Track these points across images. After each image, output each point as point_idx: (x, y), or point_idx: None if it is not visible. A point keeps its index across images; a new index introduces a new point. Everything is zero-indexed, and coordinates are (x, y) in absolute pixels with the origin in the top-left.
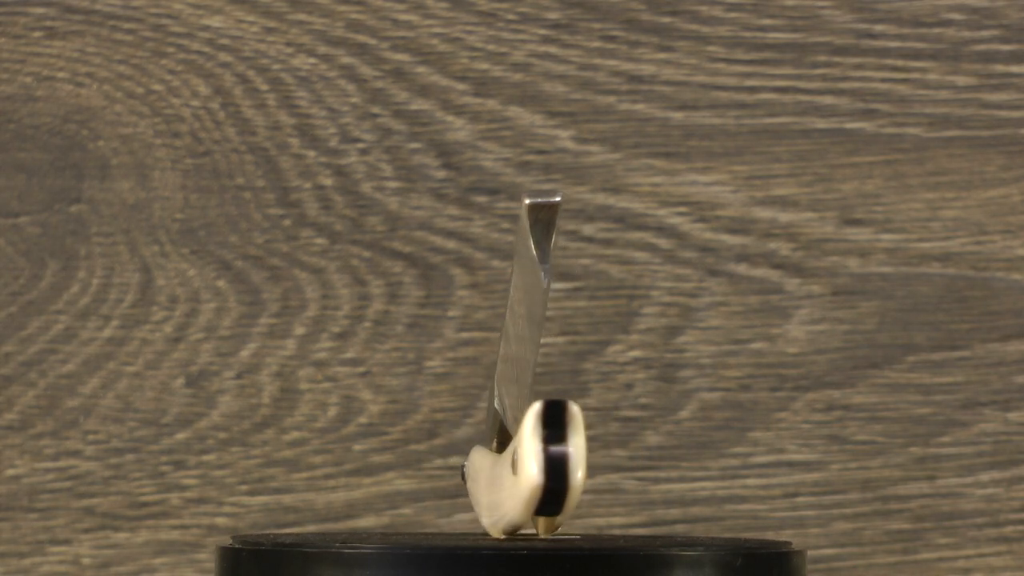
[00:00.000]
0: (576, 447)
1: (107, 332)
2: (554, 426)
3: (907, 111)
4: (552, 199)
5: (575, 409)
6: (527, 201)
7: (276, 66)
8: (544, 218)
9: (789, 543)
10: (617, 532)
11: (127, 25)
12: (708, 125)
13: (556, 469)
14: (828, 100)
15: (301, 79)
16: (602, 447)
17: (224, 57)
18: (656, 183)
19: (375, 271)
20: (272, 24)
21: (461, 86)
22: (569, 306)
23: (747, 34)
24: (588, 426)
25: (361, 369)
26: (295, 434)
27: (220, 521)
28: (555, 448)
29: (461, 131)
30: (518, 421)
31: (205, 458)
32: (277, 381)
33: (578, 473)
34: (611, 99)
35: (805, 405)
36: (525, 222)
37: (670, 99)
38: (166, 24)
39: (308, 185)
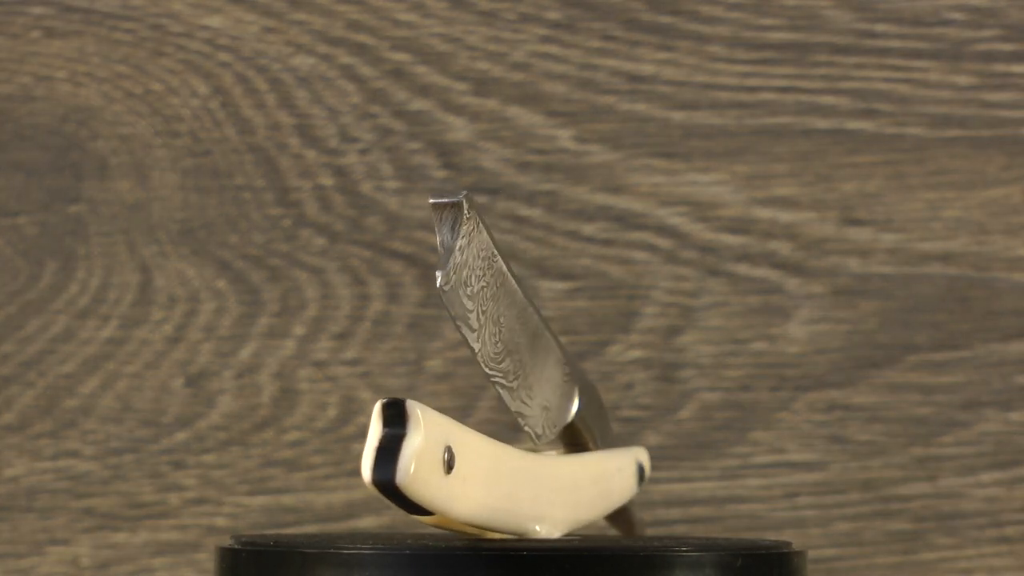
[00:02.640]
0: (411, 445)
1: (106, 332)
2: (391, 424)
3: (908, 111)
4: (455, 198)
5: (413, 408)
6: (431, 200)
7: (275, 66)
8: (449, 217)
9: (789, 543)
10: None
11: (126, 25)
12: (708, 125)
13: (383, 467)
14: (829, 100)
15: (301, 79)
16: None
17: (223, 57)
18: (656, 183)
19: (375, 271)
20: (272, 24)
21: (461, 86)
22: (569, 306)
23: (747, 34)
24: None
25: (361, 369)
26: (295, 434)
27: (219, 521)
28: (387, 446)
29: (461, 131)
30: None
31: (204, 458)
32: (277, 381)
33: (410, 469)
34: (611, 99)
35: (806, 405)
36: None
37: (670, 99)
38: (165, 24)
39: (308, 185)
